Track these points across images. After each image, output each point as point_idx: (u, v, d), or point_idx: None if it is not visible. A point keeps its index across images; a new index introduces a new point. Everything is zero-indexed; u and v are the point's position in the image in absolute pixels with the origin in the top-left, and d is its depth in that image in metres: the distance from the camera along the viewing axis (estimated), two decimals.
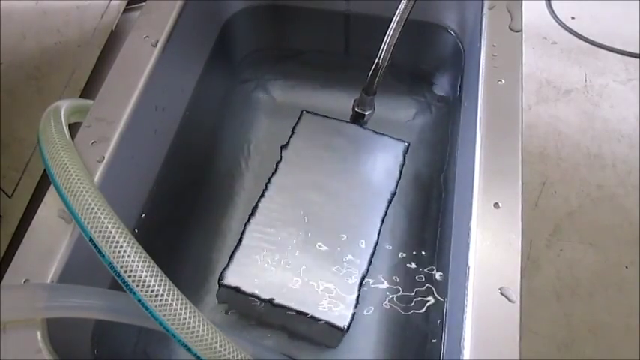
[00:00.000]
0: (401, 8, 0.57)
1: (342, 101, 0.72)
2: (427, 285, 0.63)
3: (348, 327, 0.55)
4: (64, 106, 0.52)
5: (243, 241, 0.59)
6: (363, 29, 0.75)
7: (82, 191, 0.42)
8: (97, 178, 0.48)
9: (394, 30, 0.58)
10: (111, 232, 0.40)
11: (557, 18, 1.18)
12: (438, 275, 0.62)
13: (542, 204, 0.92)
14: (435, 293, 0.61)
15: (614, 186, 0.94)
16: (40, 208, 0.46)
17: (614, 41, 1.14)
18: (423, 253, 0.65)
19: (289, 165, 0.65)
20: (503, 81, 0.54)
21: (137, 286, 0.39)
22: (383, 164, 0.66)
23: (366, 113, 0.68)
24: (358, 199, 0.63)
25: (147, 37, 0.58)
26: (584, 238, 0.89)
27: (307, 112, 0.70)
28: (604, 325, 0.81)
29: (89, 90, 0.99)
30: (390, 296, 0.63)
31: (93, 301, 0.42)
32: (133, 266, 0.39)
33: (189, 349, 0.39)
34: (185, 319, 0.39)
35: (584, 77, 1.09)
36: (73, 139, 0.49)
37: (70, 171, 0.44)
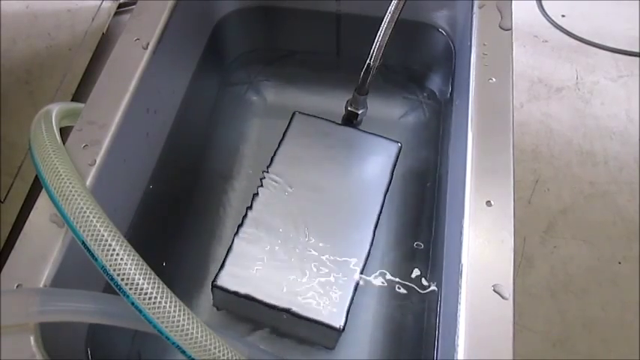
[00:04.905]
0: (392, 8, 0.57)
1: (335, 102, 0.72)
2: (421, 283, 0.63)
3: (344, 327, 0.55)
4: (55, 109, 0.52)
5: (237, 243, 0.59)
6: (354, 29, 0.75)
7: (73, 195, 0.42)
8: (88, 181, 0.48)
9: (385, 30, 0.58)
10: (103, 236, 0.40)
11: (548, 16, 1.19)
12: (432, 273, 0.62)
13: (535, 201, 0.93)
14: (430, 291, 0.61)
15: (607, 183, 0.95)
16: (32, 213, 0.46)
17: (605, 39, 1.14)
18: (417, 251, 0.65)
19: (282, 166, 0.65)
20: (494, 79, 0.54)
21: (130, 289, 0.39)
22: (376, 164, 0.66)
23: (359, 112, 0.69)
24: (352, 198, 0.63)
25: (137, 39, 0.57)
26: (578, 235, 0.89)
27: (299, 112, 0.70)
28: (598, 321, 0.81)
29: (81, 93, 0.99)
30: (385, 295, 0.63)
31: (86, 305, 0.42)
32: (126, 269, 0.39)
33: (183, 352, 0.39)
34: (179, 321, 0.39)
35: (575, 75, 1.09)
36: (64, 143, 0.49)
37: (61, 175, 0.44)
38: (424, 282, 0.63)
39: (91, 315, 0.42)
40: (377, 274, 0.64)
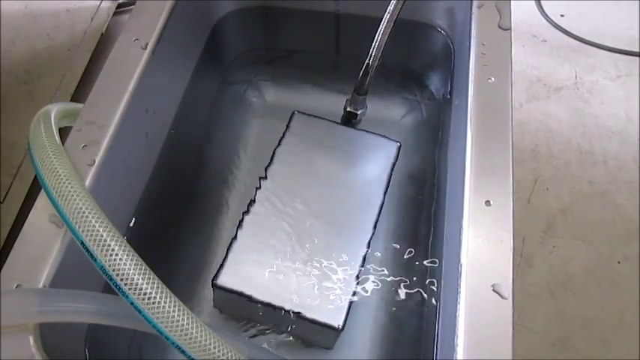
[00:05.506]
0: (390, 8, 0.57)
1: (334, 101, 0.72)
2: (421, 283, 0.63)
3: (343, 326, 0.55)
4: (54, 110, 0.52)
5: (237, 243, 0.59)
6: (353, 29, 0.75)
7: (72, 195, 0.42)
8: (87, 181, 0.48)
9: (384, 29, 0.58)
10: (102, 236, 0.40)
11: (547, 16, 1.19)
12: (431, 273, 0.62)
13: (534, 201, 0.93)
14: (429, 291, 0.61)
15: (606, 182, 0.95)
16: (31, 213, 0.46)
17: (604, 38, 1.14)
18: (416, 251, 0.65)
19: (281, 166, 0.65)
20: (493, 79, 0.54)
21: (130, 289, 0.39)
22: (375, 164, 0.66)
23: (358, 112, 0.69)
24: (351, 198, 0.63)
25: (136, 39, 0.57)
26: (577, 235, 0.89)
27: (299, 112, 0.70)
28: (598, 321, 0.81)
29: (80, 93, 0.99)
30: (385, 295, 0.63)
31: (85, 305, 0.42)
32: (125, 269, 0.39)
33: (183, 352, 0.39)
34: (178, 321, 0.39)
35: (574, 74, 1.09)
36: (63, 143, 0.49)
37: (60, 175, 0.44)
38: (423, 282, 0.63)
39: (90, 315, 0.42)
40: (376, 273, 0.64)
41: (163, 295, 0.39)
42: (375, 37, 0.59)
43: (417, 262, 0.64)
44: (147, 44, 0.57)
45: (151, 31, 0.58)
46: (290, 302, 0.56)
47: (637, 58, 1.11)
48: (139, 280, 0.39)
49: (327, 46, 0.80)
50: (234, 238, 0.60)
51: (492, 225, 0.46)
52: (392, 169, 0.66)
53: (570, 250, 0.88)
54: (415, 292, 0.62)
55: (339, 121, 0.70)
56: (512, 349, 0.40)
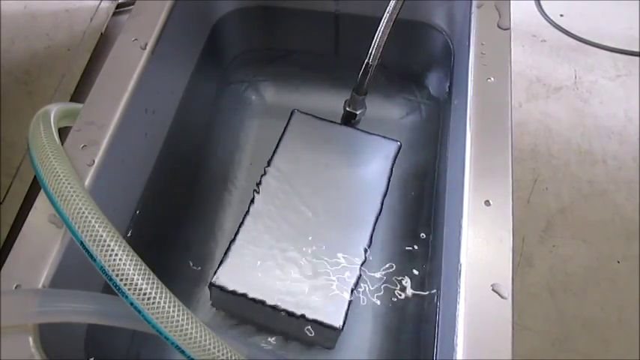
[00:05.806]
0: (390, 8, 0.57)
1: (333, 101, 0.72)
2: (420, 283, 0.63)
3: (343, 326, 0.55)
4: (54, 110, 0.52)
5: (236, 243, 0.59)
6: (352, 29, 0.75)
7: (72, 196, 0.42)
8: (87, 182, 0.48)
9: (383, 29, 0.58)
10: (102, 236, 0.40)
11: (547, 16, 1.19)
12: (430, 273, 0.62)
13: (534, 201, 0.93)
14: (428, 291, 0.61)
15: (606, 182, 0.95)
16: (30, 213, 0.46)
17: (603, 38, 1.14)
18: (416, 251, 0.65)
19: (281, 165, 0.65)
20: (492, 79, 0.54)
21: (129, 289, 0.39)
22: (375, 164, 0.66)
23: (358, 113, 0.69)
24: (351, 198, 0.63)
25: (136, 39, 0.57)
26: (577, 234, 0.89)
27: (298, 111, 0.70)
28: (597, 320, 0.81)
29: (80, 94, 0.99)
30: (384, 295, 0.63)
31: (85, 306, 0.42)
32: (124, 270, 0.39)
33: (182, 352, 0.39)
34: (178, 321, 0.39)
35: (573, 74, 1.09)
36: (62, 143, 0.49)
37: (59, 175, 0.44)
38: (423, 281, 0.63)
39: (89, 315, 0.42)
40: (376, 273, 0.64)
41: (163, 295, 0.39)
42: (375, 37, 0.59)
43: (416, 262, 0.64)
44: (146, 44, 0.57)
45: (151, 31, 0.58)
46: (289, 302, 0.56)
47: (636, 58, 1.11)
48: (138, 280, 0.39)
49: (326, 46, 0.80)
50: (233, 238, 0.60)
51: (492, 225, 0.46)
52: (392, 169, 0.66)
53: (570, 250, 0.88)
54: (415, 291, 0.62)
55: (339, 121, 0.70)
56: (512, 349, 0.40)
